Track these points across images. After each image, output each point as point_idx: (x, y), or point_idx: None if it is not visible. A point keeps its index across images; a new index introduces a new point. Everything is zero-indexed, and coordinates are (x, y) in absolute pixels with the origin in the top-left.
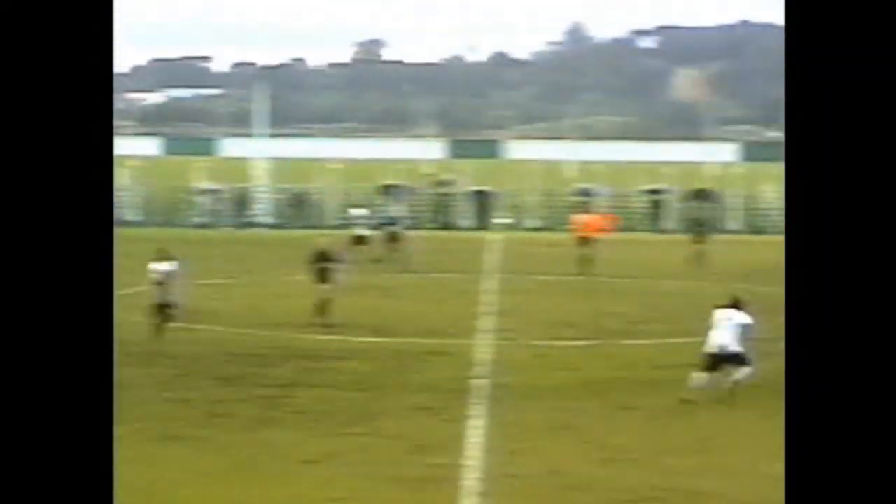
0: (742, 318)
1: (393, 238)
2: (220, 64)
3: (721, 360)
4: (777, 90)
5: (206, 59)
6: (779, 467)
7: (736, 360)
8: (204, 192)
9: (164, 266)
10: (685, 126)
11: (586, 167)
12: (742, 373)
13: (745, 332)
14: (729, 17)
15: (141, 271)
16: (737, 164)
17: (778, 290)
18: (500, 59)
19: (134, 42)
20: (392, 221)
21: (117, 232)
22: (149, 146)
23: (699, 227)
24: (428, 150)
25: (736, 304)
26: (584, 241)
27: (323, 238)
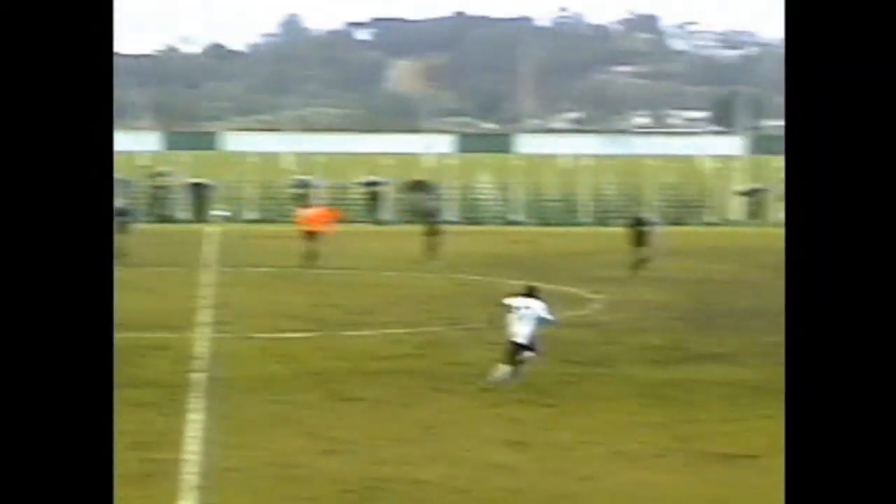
0: (539, 306)
1: None
2: None
3: (520, 350)
4: (491, 82)
5: None
6: (503, 454)
7: (529, 349)
8: None
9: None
10: (403, 118)
11: (305, 159)
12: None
13: (540, 322)
14: (444, 9)
15: None
16: (453, 155)
17: (507, 280)
18: (216, 51)
19: None
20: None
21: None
22: None
23: (430, 218)
24: (143, 142)
25: (531, 293)
26: (308, 234)
27: None
